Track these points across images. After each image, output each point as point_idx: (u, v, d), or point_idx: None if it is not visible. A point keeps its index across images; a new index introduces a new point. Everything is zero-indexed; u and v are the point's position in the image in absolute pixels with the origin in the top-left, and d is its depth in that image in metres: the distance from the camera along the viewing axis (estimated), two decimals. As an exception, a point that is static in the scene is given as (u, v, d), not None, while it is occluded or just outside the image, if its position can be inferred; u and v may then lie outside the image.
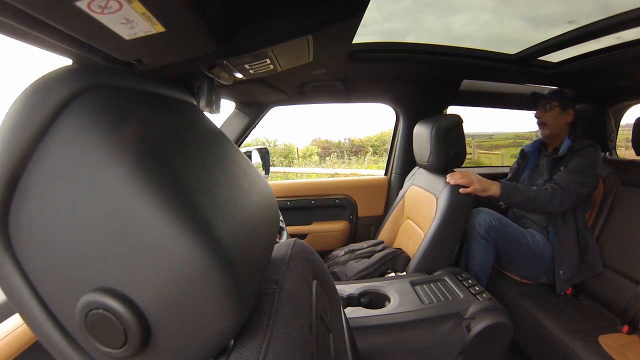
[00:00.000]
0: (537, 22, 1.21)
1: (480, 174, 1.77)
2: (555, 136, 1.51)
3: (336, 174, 9.01)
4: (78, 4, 0.21)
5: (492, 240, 1.34)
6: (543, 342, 1.23)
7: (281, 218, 1.41)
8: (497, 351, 1.02)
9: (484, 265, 1.36)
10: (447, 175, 1.32)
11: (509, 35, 1.34)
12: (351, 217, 1.85)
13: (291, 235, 1.64)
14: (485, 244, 1.34)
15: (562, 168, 1.42)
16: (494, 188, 1.32)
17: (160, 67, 0.35)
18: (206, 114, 0.44)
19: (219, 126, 0.46)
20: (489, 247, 1.34)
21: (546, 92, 1.52)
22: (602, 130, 1.65)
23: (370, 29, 1.24)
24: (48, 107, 0.24)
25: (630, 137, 1.50)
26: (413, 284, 1.13)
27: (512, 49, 1.44)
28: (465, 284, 1.12)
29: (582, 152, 1.40)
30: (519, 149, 1.75)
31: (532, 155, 1.63)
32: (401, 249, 1.42)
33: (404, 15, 1.20)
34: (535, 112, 1.54)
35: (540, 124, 1.52)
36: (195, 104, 0.47)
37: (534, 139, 1.67)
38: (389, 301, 1.05)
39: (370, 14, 1.09)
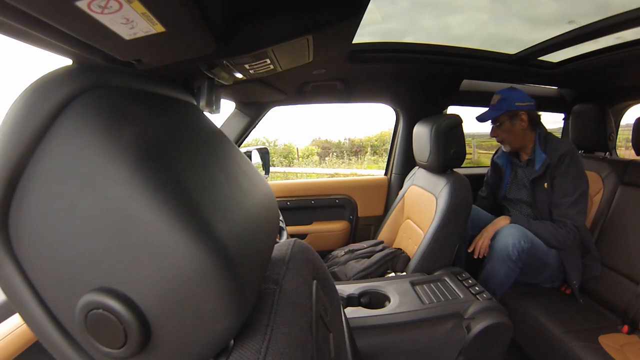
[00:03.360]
0: (535, 23, 1.21)
1: (480, 174, 1.77)
2: (519, 147, 1.44)
3: (336, 174, 9.01)
4: (78, 4, 0.21)
5: (521, 263, 1.28)
6: (543, 342, 1.23)
7: (281, 218, 1.41)
8: (497, 351, 1.02)
9: (505, 284, 1.32)
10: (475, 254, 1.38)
11: (507, 36, 1.34)
12: (351, 217, 1.85)
13: (291, 235, 1.64)
14: (514, 267, 1.27)
15: (545, 185, 1.35)
16: (502, 222, 1.37)
17: (160, 67, 0.35)
18: (206, 114, 0.44)
19: (219, 126, 0.46)
20: (516, 269, 1.28)
21: (490, 107, 1.43)
22: (602, 130, 1.65)
23: (369, 29, 1.24)
24: (48, 107, 0.24)
25: (630, 137, 1.50)
26: (413, 284, 1.13)
27: (512, 49, 1.44)
28: (465, 284, 1.12)
29: (562, 167, 1.32)
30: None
31: (506, 166, 1.55)
32: (401, 249, 1.42)
33: (401, 15, 1.20)
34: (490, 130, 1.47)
35: (500, 142, 1.47)
36: (195, 104, 0.47)
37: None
38: (389, 301, 1.05)
39: (370, 14, 1.09)
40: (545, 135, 1.41)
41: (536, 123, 1.43)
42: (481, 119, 1.44)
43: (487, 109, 1.46)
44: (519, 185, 1.50)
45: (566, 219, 1.31)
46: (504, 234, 1.31)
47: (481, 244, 1.36)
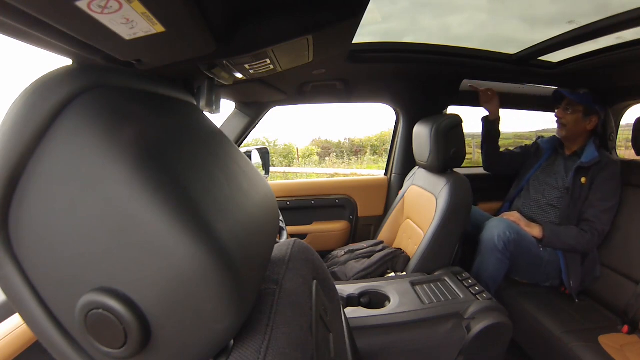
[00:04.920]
0: (534, 23, 1.21)
1: (479, 174, 1.77)
2: (572, 139, 1.49)
3: (336, 174, 9.00)
4: (78, 4, 0.21)
5: (509, 254, 1.31)
6: (543, 342, 1.23)
7: (281, 218, 1.41)
8: (497, 351, 1.02)
9: (496, 277, 1.34)
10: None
11: (507, 36, 1.34)
12: (351, 217, 1.85)
13: (291, 235, 1.64)
14: (502, 257, 1.31)
15: (583, 179, 1.39)
16: (537, 230, 1.39)
17: (160, 67, 0.35)
18: (206, 114, 0.44)
19: (219, 126, 0.46)
20: (505, 260, 1.31)
21: (571, 92, 1.48)
22: (602, 130, 1.64)
23: (369, 29, 1.24)
24: (48, 107, 0.24)
25: (630, 137, 1.50)
26: (413, 284, 1.13)
27: (512, 49, 1.44)
28: (465, 284, 1.12)
29: (608, 171, 1.37)
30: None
31: (546, 152, 1.59)
32: (401, 249, 1.42)
33: (401, 15, 1.20)
34: (555, 110, 1.51)
35: (560, 124, 1.49)
36: (195, 104, 0.47)
37: (551, 135, 1.64)
38: (389, 301, 1.05)
39: (370, 14, 1.09)
40: (600, 144, 1.48)
41: (596, 132, 1.50)
42: (561, 92, 1.47)
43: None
44: (553, 171, 1.53)
45: (597, 221, 1.34)
46: (490, 226, 1.35)
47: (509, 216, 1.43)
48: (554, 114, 1.53)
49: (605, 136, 1.67)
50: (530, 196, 1.55)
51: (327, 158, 11.13)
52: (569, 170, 1.46)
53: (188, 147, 0.31)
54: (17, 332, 0.57)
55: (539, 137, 1.69)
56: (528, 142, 1.73)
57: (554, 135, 1.61)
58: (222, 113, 1.41)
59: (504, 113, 1.67)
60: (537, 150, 1.65)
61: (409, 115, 1.76)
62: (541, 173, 1.57)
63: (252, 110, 1.64)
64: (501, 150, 1.70)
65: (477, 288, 1.09)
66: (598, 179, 1.37)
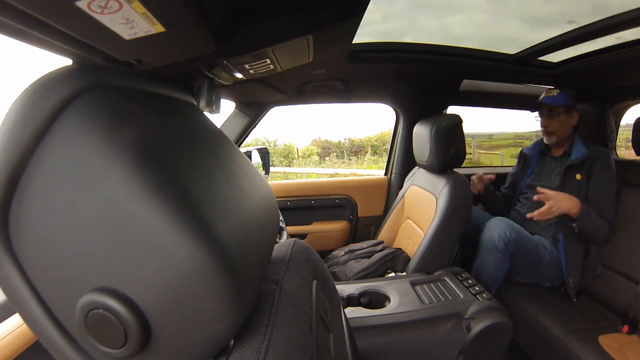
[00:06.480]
0: (534, 23, 1.21)
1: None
2: (562, 142, 1.48)
3: (336, 174, 9.01)
4: (78, 4, 0.21)
5: (509, 254, 1.30)
6: (543, 342, 1.23)
7: (281, 218, 1.41)
8: (497, 351, 1.02)
9: (497, 277, 1.33)
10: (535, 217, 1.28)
11: (507, 36, 1.34)
12: (351, 217, 1.85)
13: (291, 235, 1.64)
14: (502, 257, 1.29)
15: (578, 176, 1.38)
16: (576, 204, 1.27)
17: (160, 67, 0.35)
18: (206, 114, 0.44)
19: (219, 126, 0.46)
20: (505, 260, 1.30)
21: (544, 96, 1.47)
22: (602, 130, 1.64)
23: (369, 29, 1.24)
24: (48, 107, 0.24)
25: (630, 137, 1.50)
26: (413, 284, 1.13)
27: (512, 49, 1.44)
28: (465, 284, 1.12)
29: (601, 163, 1.37)
30: (519, 149, 1.74)
31: (534, 157, 1.59)
32: (401, 249, 1.42)
33: (400, 15, 1.21)
34: (539, 118, 1.49)
35: (546, 132, 1.48)
36: (195, 104, 0.47)
37: (535, 141, 1.64)
38: (389, 301, 1.05)
39: (370, 14, 1.09)
40: (586, 138, 1.48)
41: (577, 125, 1.49)
42: (539, 103, 1.45)
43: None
44: (545, 174, 1.53)
45: (605, 214, 1.34)
46: (490, 226, 1.34)
47: (546, 210, 1.26)
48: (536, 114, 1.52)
49: (604, 132, 1.67)
50: (530, 201, 1.54)
51: (327, 158, 11.13)
52: (561, 170, 1.45)
53: (188, 147, 0.31)
54: (17, 332, 0.57)
55: (521, 149, 1.69)
56: (528, 142, 1.73)
57: (537, 141, 1.61)
58: (222, 113, 1.41)
59: (504, 113, 1.67)
60: (524, 160, 1.64)
61: (409, 115, 1.76)
62: (533, 180, 1.56)
63: (252, 110, 1.64)
64: (497, 194, 1.69)
65: (477, 288, 1.09)
66: (593, 173, 1.37)
